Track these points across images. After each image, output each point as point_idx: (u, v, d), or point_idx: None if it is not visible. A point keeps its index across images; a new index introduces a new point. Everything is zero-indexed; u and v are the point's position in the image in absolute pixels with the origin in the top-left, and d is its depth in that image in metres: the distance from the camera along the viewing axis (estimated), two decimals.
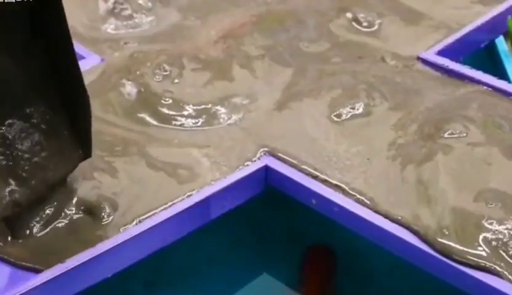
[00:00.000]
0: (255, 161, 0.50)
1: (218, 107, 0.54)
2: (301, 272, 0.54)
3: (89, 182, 0.47)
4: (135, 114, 0.54)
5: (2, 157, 0.41)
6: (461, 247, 0.43)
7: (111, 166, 0.48)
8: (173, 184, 0.48)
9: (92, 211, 0.45)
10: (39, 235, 0.43)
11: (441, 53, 0.59)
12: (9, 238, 0.43)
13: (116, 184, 0.47)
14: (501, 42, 0.66)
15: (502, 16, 0.65)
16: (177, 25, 0.65)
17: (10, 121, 0.41)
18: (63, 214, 0.45)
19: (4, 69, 0.40)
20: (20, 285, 0.41)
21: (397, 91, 0.56)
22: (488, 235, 0.43)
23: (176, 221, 0.46)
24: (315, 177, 0.48)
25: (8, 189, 0.41)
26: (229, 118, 0.54)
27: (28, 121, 0.42)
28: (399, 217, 0.45)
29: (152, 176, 0.48)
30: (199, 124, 0.53)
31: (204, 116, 0.54)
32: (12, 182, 0.41)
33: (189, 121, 0.53)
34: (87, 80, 0.56)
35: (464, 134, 0.50)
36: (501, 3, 0.65)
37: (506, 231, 0.43)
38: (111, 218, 0.45)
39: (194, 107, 0.54)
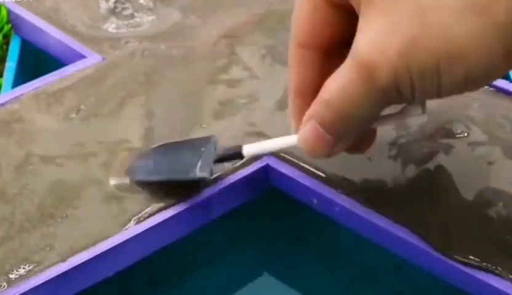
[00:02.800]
0: (256, 160, 0.50)
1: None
2: None
3: None
4: None
5: None
6: (462, 248, 0.43)
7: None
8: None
9: None
10: None
11: None
12: None
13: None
14: None
15: None
16: (178, 24, 0.65)
17: None
18: None
19: None
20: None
21: None
22: (490, 235, 0.43)
23: (177, 221, 0.46)
24: (316, 177, 0.48)
25: None
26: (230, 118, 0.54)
27: None
28: (400, 217, 0.45)
29: None
30: None
31: None
32: None
33: None
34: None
35: (466, 134, 0.50)
36: None
37: (507, 231, 0.43)
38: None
39: None
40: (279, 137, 0.44)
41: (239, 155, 0.45)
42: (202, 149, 0.46)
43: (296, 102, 0.42)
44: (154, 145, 0.50)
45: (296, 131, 0.42)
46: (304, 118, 0.40)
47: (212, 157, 0.46)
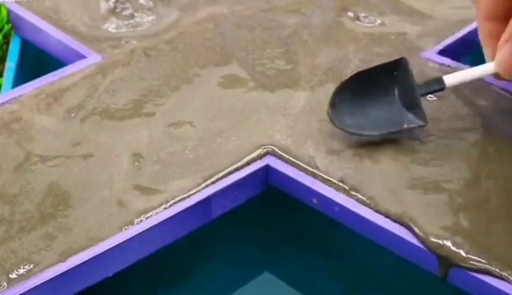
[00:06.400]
0: (256, 160, 0.50)
1: None
2: None
3: None
4: None
5: None
6: (461, 248, 0.43)
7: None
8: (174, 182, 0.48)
9: None
10: None
11: (442, 52, 0.59)
12: None
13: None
14: None
15: None
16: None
17: None
18: None
19: None
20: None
21: None
22: (491, 235, 0.43)
23: (178, 220, 0.46)
24: (316, 177, 0.48)
25: None
26: None
27: None
28: (400, 217, 0.45)
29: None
30: None
31: None
32: None
33: None
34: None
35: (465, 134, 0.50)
36: None
37: (506, 231, 0.43)
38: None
39: None
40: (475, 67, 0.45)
41: (441, 88, 0.47)
42: (394, 73, 0.48)
43: (487, 26, 0.42)
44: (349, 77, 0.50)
45: (491, 58, 0.42)
46: (500, 41, 0.39)
47: (412, 89, 0.47)
